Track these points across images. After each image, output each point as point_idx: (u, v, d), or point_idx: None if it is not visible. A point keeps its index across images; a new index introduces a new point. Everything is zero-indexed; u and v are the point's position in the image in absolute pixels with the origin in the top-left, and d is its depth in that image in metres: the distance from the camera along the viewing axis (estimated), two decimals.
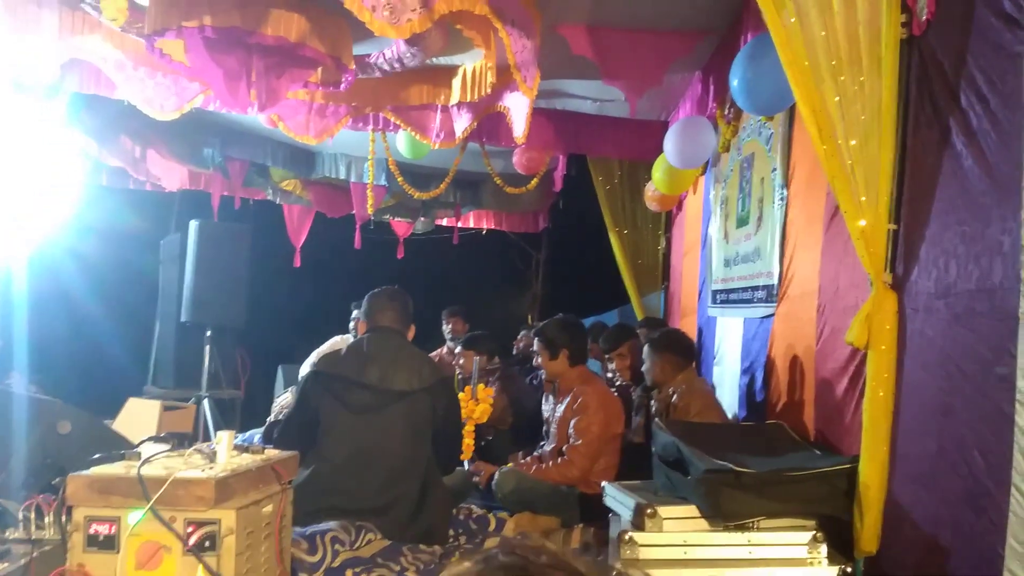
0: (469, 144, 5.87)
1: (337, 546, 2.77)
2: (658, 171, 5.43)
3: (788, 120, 3.90)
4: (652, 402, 3.91)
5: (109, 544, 2.07)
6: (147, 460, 2.13)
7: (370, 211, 6.37)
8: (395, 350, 3.25)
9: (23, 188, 5.77)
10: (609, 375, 4.54)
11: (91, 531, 2.08)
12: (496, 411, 4.25)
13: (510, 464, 3.97)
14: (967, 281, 2.21)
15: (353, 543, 2.83)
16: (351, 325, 6.00)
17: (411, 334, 3.37)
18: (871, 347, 2.53)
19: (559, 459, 3.80)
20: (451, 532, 3.24)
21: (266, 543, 2.24)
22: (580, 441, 3.74)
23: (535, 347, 4.19)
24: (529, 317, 7.46)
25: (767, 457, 2.83)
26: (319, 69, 4.63)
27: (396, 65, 4.53)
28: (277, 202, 7.89)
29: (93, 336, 6.39)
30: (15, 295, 5.42)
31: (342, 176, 6.90)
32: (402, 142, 5.86)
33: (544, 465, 3.83)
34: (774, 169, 4.06)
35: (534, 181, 6.16)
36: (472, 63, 4.60)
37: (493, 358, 4.89)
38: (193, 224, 6.40)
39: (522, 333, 6.45)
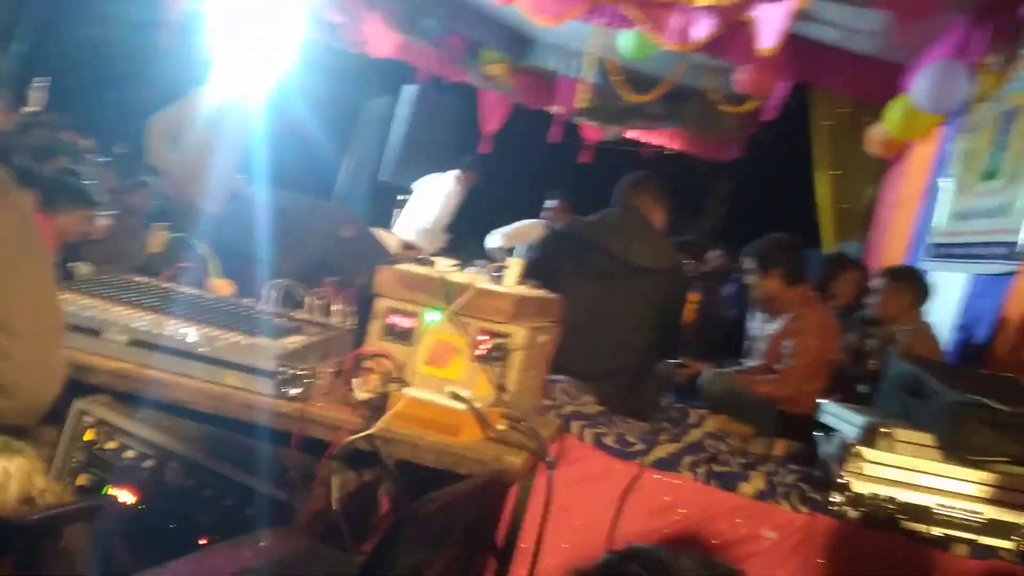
0: (689, 55, 5.73)
1: (565, 397, 2.87)
2: (895, 113, 5.17)
3: None
4: (867, 340, 3.82)
5: (405, 337, 2.20)
6: (454, 265, 2.24)
7: (578, 105, 6.36)
8: (641, 227, 3.28)
9: (261, 28, 6.04)
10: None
11: (389, 321, 2.22)
12: (694, 316, 4.25)
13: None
14: None
15: (575, 399, 2.93)
16: (543, 213, 6.06)
17: (658, 221, 3.38)
18: None
19: (770, 376, 3.80)
20: None
21: (535, 370, 2.34)
22: (797, 362, 3.71)
23: (746, 265, 4.13)
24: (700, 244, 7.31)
25: (1014, 404, 2.73)
26: None
27: None
28: (476, 86, 7.94)
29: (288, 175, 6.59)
30: (254, 129, 5.68)
31: (552, 67, 6.89)
32: (626, 40, 5.78)
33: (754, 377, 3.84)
34: None
35: (753, 103, 5.99)
36: None
37: (698, 263, 4.85)
38: (410, 89, 6.55)
39: (715, 253, 6.36)
